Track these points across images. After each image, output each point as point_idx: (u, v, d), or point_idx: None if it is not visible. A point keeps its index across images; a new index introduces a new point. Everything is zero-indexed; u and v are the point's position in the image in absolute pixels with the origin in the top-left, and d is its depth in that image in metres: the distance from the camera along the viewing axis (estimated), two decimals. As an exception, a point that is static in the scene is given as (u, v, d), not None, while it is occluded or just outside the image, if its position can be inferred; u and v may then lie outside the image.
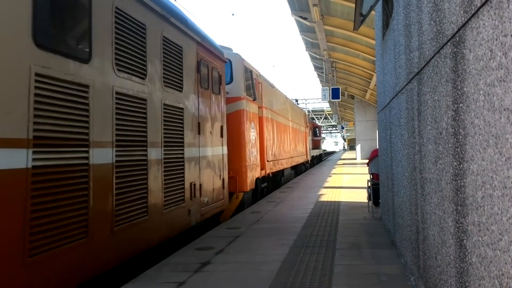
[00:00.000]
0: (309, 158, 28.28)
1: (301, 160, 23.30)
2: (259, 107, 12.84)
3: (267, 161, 13.26)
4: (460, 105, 2.55)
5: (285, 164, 17.34)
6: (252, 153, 11.40)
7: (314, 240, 6.66)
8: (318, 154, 39.81)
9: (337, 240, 6.64)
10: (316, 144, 37.83)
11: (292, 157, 19.53)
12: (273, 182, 15.83)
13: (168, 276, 5.05)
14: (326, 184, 16.51)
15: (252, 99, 11.78)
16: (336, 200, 11.58)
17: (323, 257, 5.63)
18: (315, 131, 38.02)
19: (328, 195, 12.72)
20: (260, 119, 12.89)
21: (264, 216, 9.28)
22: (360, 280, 4.65)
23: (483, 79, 2.16)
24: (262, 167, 12.71)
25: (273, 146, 14.71)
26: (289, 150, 18.72)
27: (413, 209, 4.27)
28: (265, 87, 14.15)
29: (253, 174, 11.49)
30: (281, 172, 17.06)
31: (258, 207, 10.75)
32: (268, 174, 13.80)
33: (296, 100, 30.96)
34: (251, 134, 11.62)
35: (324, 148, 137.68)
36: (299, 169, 23.97)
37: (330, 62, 24.85)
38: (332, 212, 9.45)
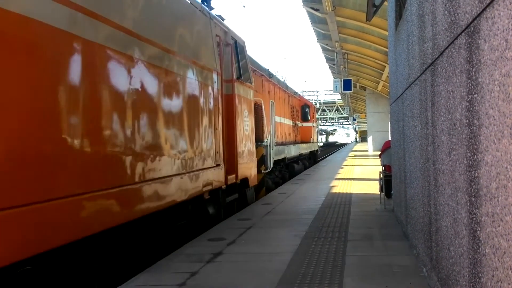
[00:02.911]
0: (251, 174, 9.76)
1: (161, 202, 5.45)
2: None
3: None
4: (475, 95, 2.53)
5: None
6: None
7: (325, 232, 6.67)
8: (308, 151, 23.52)
9: (349, 231, 6.65)
10: (306, 134, 23.07)
11: None
12: None
13: (180, 266, 5.11)
14: (338, 176, 16.48)
15: None
16: (348, 191, 11.56)
17: (335, 248, 5.65)
18: (305, 112, 23.04)
19: (339, 187, 12.71)
20: None
21: (275, 207, 9.31)
22: (372, 271, 4.66)
23: (498, 70, 2.14)
24: None
25: None
26: None
27: (426, 200, 4.26)
28: None
29: None
30: None
31: (269, 198, 10.78)
32: None
33: None
34: None
35: (335, 140, 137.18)
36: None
37: (342, 53, 24.68)
38: (344, 203, 9.45)
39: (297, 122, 21.16)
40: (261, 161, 11.86)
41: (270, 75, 15.81)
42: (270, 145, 12.43)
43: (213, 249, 5.82)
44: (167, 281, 4.59)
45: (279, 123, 16.33)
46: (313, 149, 25.35)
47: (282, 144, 16.18)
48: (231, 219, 8.14)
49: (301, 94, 30.24)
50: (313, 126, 25.11)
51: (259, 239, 6.44)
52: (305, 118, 23.10)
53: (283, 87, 18.35)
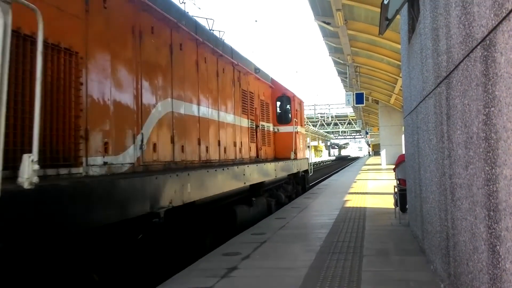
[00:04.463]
0: None
1: None
2: None
3: None
4: (492, 109, 2.51)
5: None
6: None
7: (340, 246, 6.61)
8: (285, 175, 13.76)
9: (364, 246, 6.58)
10: (283, 145, 14.18)
11: None
12: None
13: (196, 281, 5.09)
14: (351, 190, 16.37)
15: None
16: (362, 206, 11.47)
17: (351, 263, 5.59)
18: (282, 109, 14.68)
19: (353, 201, 12.61)
20: None
21: (289, 222, 9.26)
22: (389, 287, 4.60)
23: (515, 83, 2.13)
24: None
25: None
26: None
27: (443, 215, 4.21)
28: None
29: None
30: None
31: (283, 213, 10.73)
32: None
33: None
34: None
35: (347, 154, 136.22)
36: None
37: (353, 66, 24.69)
38: (358, 218, 9.37)
39: (262, 123, 12.51)
40: None
41: None
42: None
43: (228, 264, 5.80)
44: (182, 297, 4.57)
45: (202, 118, 8.04)
46: (296, 171, 14.73)
47: (207, 164, 8.01)
48: (245, 234, 8.11)
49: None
50: (297, 133, 14.66)
51: (274, 253, 6.40)
52: (282, 119, 14.29)
53: (217, 48, 8.98)
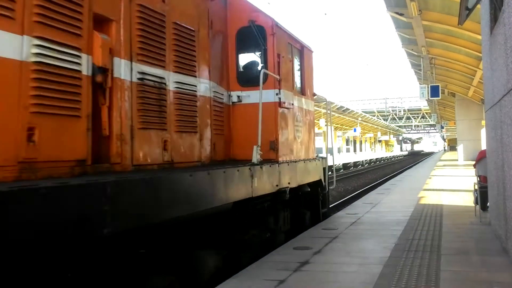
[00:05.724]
0: None
1: None
2: None
3: None
4: None
5: None
6: None
7: (417, 244, 6.44)
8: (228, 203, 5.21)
9: (442, 245, 6.36)
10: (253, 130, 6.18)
11: None
12: None
13: (268, 274, 5.19)
14: (426, 187, 15.80)
15: None
16: (438, 203, 11.05)
17: (428, 262, 5.43)
18: (261, 56, 6.81)
19: (428, 198, 12.18)
20: None
21: (361, 217, 9.14)
22: (469, 288, 4.44)
23: None
24: None
25: None
26: None
27: (530, 214, 3.98)
28: None
29: None
30: None
31: (354, 208, 10.61)
32: None
33: None
34: None
35: (421, 149, 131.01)
36: None
37: (428, 58, 23.68)
38: (435, 215, 9.05)
39: (158, 73, 4.90)
40: None
41: None
42: None
43: (299, 258, 5.84)
44: (256, 288, 4.68)
45: None
46: (275, 188, 6.53)
47: None
48: (315, 228, 8.12)
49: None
50: (280, 104, 6.90)
51: (346, 249, 6.36)
52: (255, 78, 6.52)
53: None
